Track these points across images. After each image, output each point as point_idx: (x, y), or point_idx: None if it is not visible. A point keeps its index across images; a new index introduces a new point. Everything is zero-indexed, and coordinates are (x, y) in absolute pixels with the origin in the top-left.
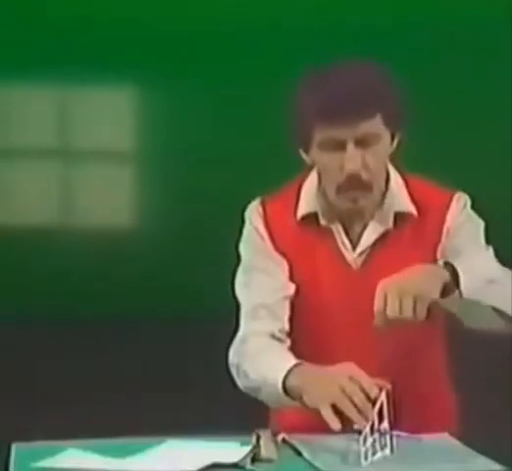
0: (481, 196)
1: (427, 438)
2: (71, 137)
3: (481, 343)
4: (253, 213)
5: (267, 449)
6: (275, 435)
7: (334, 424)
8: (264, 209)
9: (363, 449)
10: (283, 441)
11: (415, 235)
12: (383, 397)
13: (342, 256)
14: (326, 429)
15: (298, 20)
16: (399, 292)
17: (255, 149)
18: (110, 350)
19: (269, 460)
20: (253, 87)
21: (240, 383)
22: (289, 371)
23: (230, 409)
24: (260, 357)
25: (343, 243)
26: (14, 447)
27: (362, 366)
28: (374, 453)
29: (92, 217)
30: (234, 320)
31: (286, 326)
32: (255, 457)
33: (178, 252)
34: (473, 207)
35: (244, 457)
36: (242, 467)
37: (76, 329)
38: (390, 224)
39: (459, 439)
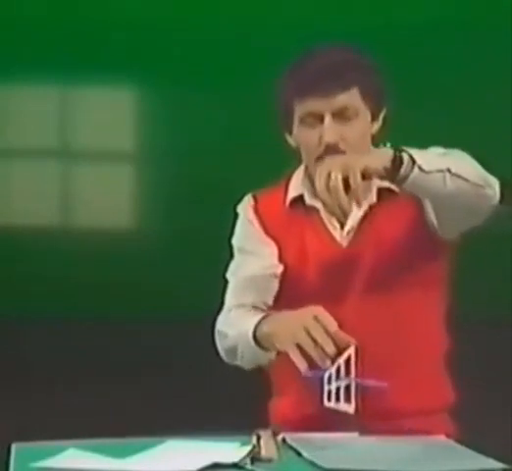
0: None
1: (426, 438)
2: (71, 137)
3: (480, 343)
4: (245, 205)
5: (267, 449)
6: (275, 435)
7: (302, 365)
8: (255, 200)
9: (326, 389)
10: (283, 441)
11: (398, 210)
12: (351, 350)
13: (331, 236)
14: (321, 421)
15: (295, 22)
16: (343, 167)
17: (255, 149)
18: (109, 350)
19: (269, 460)
20: (253, 88)
21: (221, 346)
22: (260, 321)
23: (231, 409)
24: (239, 320)
25: (331, 223)
26: (14, 447)
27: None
28: (337, 400)
29: (92, 217)
30: None
31: (270, 301)
32: (255, 457)
33: (178, 252)
34: None
35: (244, 457)
36: (242, 467)
37: (76, 329)
38: (374, 199)
39: (459, 439)
